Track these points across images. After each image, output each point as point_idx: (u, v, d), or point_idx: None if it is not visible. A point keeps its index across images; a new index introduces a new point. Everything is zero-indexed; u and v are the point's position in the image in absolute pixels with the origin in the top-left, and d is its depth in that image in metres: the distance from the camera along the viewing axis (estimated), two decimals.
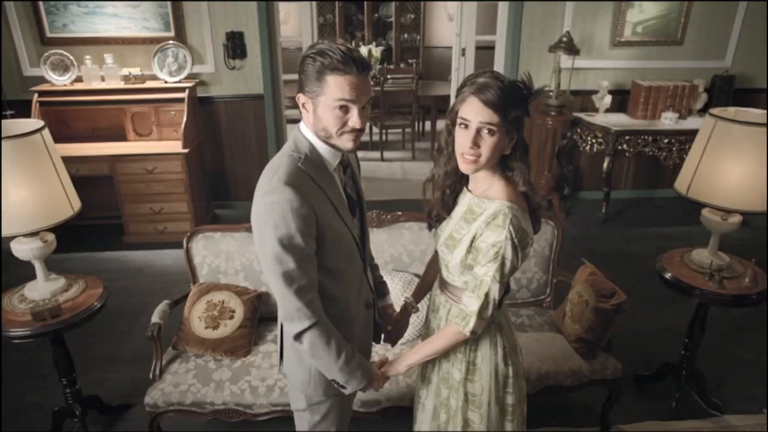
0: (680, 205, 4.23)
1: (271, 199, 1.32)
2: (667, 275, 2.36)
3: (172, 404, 2.13)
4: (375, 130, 6.50)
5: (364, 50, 6.56)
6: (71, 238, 4.00)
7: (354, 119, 1.34)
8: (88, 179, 3.99)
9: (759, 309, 3.00)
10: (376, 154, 6.40)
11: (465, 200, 1.51)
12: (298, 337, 1.39)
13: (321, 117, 1.35)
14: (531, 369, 2.21)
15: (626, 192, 5.11)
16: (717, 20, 4.65)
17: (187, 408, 2.13)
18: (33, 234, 2.07)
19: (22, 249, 2.09)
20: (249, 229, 2.51)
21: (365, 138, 6.50)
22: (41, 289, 2.19)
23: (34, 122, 2.05)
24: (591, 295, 2.26)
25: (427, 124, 7.07)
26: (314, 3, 7.50)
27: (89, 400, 2.44)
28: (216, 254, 2.49)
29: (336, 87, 1.30)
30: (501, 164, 1.44)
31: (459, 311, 1.47)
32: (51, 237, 2.18)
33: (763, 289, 2.25)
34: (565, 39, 4.24)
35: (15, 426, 2.46)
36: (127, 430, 2.44)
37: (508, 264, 1.37)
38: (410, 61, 8.02)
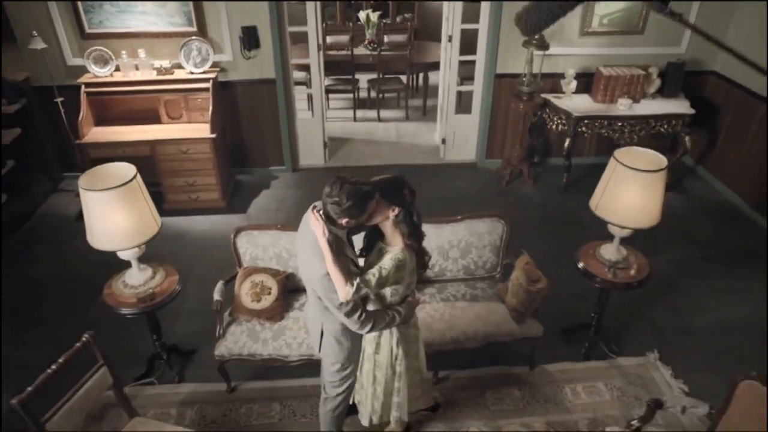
0: None
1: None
2: (580, 265, 3.29)
3: (233, 355, 3.13)
4: (373, 94, 7.14)
5: (362, 15, 7.05)
6: None
7: None
8: (131, 157, 4.84)
9: (661, 278, 3.98)
10: (374, 114, 7.11)
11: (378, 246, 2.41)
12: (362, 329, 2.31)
13: None
14: (479, 331, 3.20)
15: (589, 158, 5.92)
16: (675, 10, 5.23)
17: (243, 357, 3.14)
18: None
19: (126, 254, 2.99)
20: (279, 228, 3.42)
21: (364, 96, 7.23)
22: (136, 277, 3.12)
23: (129, 169, 2.87)
24: (524, 279, 3.19)
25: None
26: None
27: (169, 347, 3.46)
28: (255, 246, 3.40)
29: None
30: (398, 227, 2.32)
31: None
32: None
33: (643, 277, 3.19)
34: (536, 36, 4.88)
35: (119, 367, 3.48)
36: (198, 370, 3.48)
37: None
38: (406, 15, 8.45)
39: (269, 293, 3.28)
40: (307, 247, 2.29)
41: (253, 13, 4.96)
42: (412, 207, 2.37)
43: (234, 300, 3.29)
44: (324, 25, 7.00)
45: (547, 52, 5.09)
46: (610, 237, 3.30)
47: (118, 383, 2.59)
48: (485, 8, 5.20)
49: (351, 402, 2.81)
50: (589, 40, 5.32)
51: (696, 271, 4.41)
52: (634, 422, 2.62)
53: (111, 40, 4.95)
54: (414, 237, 2.40)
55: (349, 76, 6.89)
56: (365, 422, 2.73)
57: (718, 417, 2.48)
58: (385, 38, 7.50)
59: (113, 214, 2.77)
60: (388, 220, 2.33)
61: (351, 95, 7.11)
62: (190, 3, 4.84)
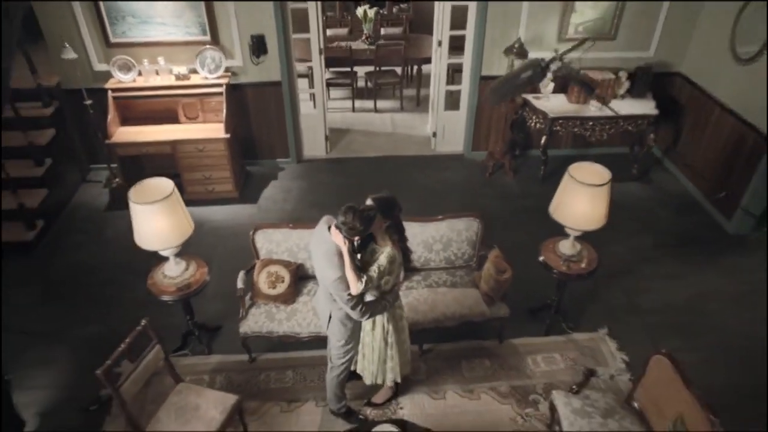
0: (608, 162, 5.76)
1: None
2: (541, 258, 3.95)
3: (254, 332, 3.82)
4: (370, 84, 7.67)
5: (360, 11, 7.52)
6: None
7: None
8: (154, 155, 5.47)
9: (618, 263, 4.65)
10: (371, 104, 7.67)
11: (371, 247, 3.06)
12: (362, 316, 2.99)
13: None
14: (456, 312, 3.87)
15: (565, 150, 6.51)
16: (644, 19, 5.77)
17: (262, 334, 3.83)
18: None
19: (166, 251, 3.64)
20: (290, 227, 4.06)
21: (362, 85, 7.76)
22: (173, 269, 3.78)
23: (168, 184, 3.49)
24: (494, 270, 3.86)
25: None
26: None
27: (199, 325, 4.15)
28: (269, 241, 4.05)
29: None
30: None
31: None
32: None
33: (592, 269, 3.85)
34: (516, 45, 5.43)
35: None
36: (223, 344, 4.18)
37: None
38: (402, 6, 8.88)
39: (283, 281, 3.95)
40: (321, 255, 2.93)
41: (261, 22, 5.48)
42: (399, 218, 3.02)
43: (253, 287, 3.96)
44: (324, 17, 7.47)
45: (530, 55, 5.63)
46: None
47: (167, 356, 3.28)
48: (471, 16, 5.71)
49: (352, 370, 3.51)
50: (566, 45, 5.81)
51: (650, 256, 5.08)
52: (574, 387, 3.33)
53: (133, 48, 5.48)
54: (401, 239, 3.06)
55: (348, 69, 7.43)
56: (368, 382, 3.43)
57: (636, 383, 3.19)
58: (382, 31, 7.99)
59: (156, 222, 3.41)
60: (381, 229, 2.97)
61: (350, 87, 7.65)
62: (204, 14, 5.36)
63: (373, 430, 3.05)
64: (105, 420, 3.66)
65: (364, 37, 7.54)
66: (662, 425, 2.97)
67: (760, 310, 4.45)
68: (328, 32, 7.82)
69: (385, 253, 2.94)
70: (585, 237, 3.90)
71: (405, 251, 3.16)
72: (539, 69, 4.94)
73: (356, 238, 2.90)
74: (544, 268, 3.96)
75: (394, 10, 8.80)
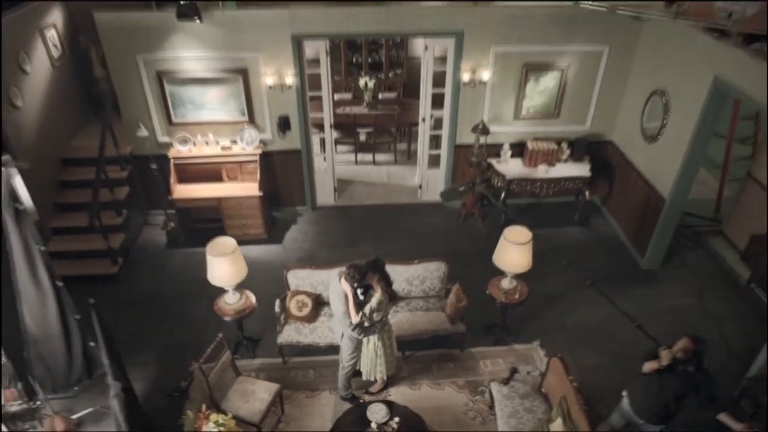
0: (557, 209, 7.50)
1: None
2: (487, 292, 5.63)
3: (288, 342, 5.49)
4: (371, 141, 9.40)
5: (361, 82, 9.26)
6: (196, 236, 7.23)
7: None
8: (204, 207, 7.19)
9: (554, 291, 6.31)
10: (371, 157, 9.39)
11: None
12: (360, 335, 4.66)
13: None
14: (428, 329, 5.54)
15: (524, 199, 8.20)
16: (580, 102, 7.50)
17: (292, 344, 5.49)
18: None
19: (228, 287, 5.32)
20: (312, 268, 5.75)
21: (363, 138, 9.47)
22: (231, 298, 5.46)
23: (232, 242, 5.18)
24: (455, 299, 5.52)
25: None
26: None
27: (246, 337, 5.81)
28: (297, 278, 5.72)
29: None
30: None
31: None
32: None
33: (523, 299, 5.53)
34: (480, 126, 7.15)
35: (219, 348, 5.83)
36: (263, 351, 5.83)
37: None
38: (397, 71, 10.62)
39: (307, 306, 5.62)
40: (334, 295, 4.61)
41: (287, 107, 7.21)
42: (385, 272, 4.68)
43: (286, 310, 5.63)
44: (331, 81, 9.19)
45: (492, 130, 7.35)
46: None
47: (233, 359, 4.95)
48: (447, 99, 7.44)
49: (356, 369, 5.15)
50: (520, 121, 7.57)
51: (577, 287, 6.74)
52: (504, 379, 4.99)
53: (190, 126, 7.21)
54: (388, 287, 4.73)
55: (352, 130, 9.16)
56: (365, 378, 5.09)
57: (543, 376, 4.86)
58: (380, 95, 9.74)
59: (223, 268, 5.10)
60: (374, 279, 4.64)
61: (353, 144, 9.38)
62: (244, 102, 7.09)
63: (369, 407, 4.70)
64: (185, 403, 5.31)
65: (365, 104, 9.28)
66: (556, 403, 4.63)
67: (651, 328, 6.10)
68: (335, 96, 9.55)
69: (375, 297, 4.59)
70: (522, 275, 5.57)
71: (391, 294, 4.82)
72: (470, 186, 6.94)
73: (356, 285, 4.56)
74: (489, 299, 5.64)
75: (390, 75, 10.54)
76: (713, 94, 5.67)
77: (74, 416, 4.75)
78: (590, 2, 5.83)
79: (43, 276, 4.03)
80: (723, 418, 3.88)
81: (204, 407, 4.30)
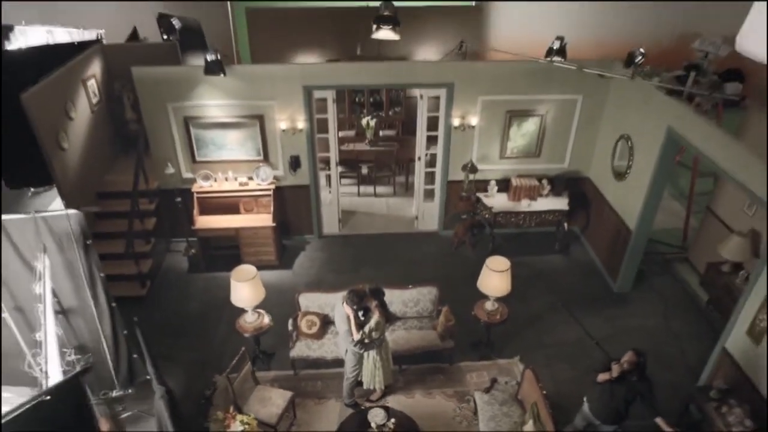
0: (539, 238, 8.34)
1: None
2: (473, 313, 6.46)
3: (299, 356, 6.31)
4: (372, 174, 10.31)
5: (364, 121, 10.22)
6: (215, 262, 8.10)
7: None
8: (223, 236, 8.06)
9: (534, 313, 7.13)
10: (372, 189, 10.30)
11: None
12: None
13: None
14: (421, 345, 6.35)
15: (511, 229, 9.06)
16: (559, 143, 8.42)
17: (303, 358, 6.31)
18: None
19: (248, 308, 6.16)
20: (321, 291, 6.59)
21: (365, 171, 10.38)
22: (250, 317, 6.30)
23: (252, 269, 6.04)
24: (444, 320, 6.35)
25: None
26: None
27: (262, 350, 6.63)
28: (307, 300, 6.56)
29: None
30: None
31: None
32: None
33: (504, 319, 6.35)
34: (469, 165, 8.06)
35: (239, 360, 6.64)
36: (277, 363, 6.64)
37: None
38: (396, 109, 11.59)
39: (316, 325, 6.45)
40: (338, 317, 5.45)
41: (297, 148, 8.14)
42: (383, 298, 5.52)
43: (297, 328, 6.46)
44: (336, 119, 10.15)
45: (480, 168, 8.26)
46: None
47: (253, 370, 5.76)
48: (440, 142, 8.36)
49: (358, 380, 5.95)
50: (505, 160, 8.48)
51: (556, 308, 7.55)
52: (485, 389, 5.79)
53: (211, 164, 8.13)
54: (385, 310, 5.57)
55: (355, 165, 10.08)
56: (365, 387, 5.89)
57: (519, 385, 5.66)
58: (380, 133, 10.69)
59: (245, 292, 5.96)
60: (372, 303, 5.48)
61: (356, 177, 10.30)
62: (260, 143, 8.02)
63: (369, 412, 5.50)
64: (210, 408, 6.11)
65: (366, 141, 10.22)
66: (529, 408, 5.42)
67: (618, 345, 6.89)
68: (340, 133, 10.49)
69: (373, 319, 5.42)
70: (505, 298, 6.40)
71: (388, 315, 5.66)
72: (471, 215, 7.59)
73: (355, 307, 5.39)
74: (475, 319, 6.47)
75: (390, 113, 11.50)
76: (667, 142, 6.58)
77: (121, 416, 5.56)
78: (561, 62, 6.77)
79: (102, 297, 4.87)
80: (659, 421, 4.66)
81: (231, 409, 5.11)
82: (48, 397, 3.37)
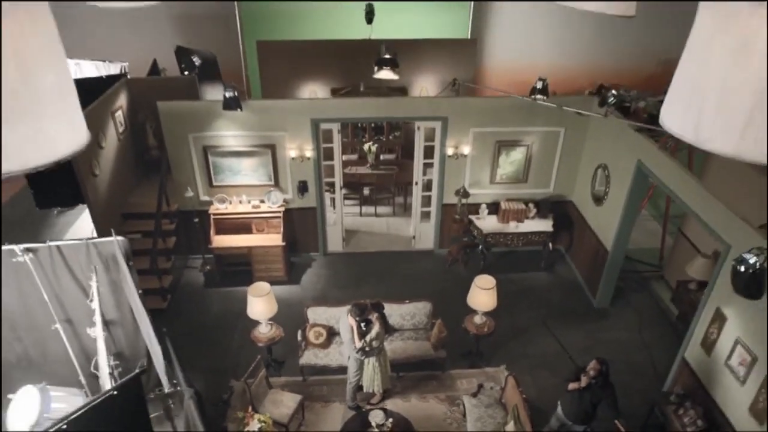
0: (527, 257, 9.09)
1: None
2: (463, 325, 7.21)
3: (307, 364, 7.05)
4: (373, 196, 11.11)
5: (366, 146, 11.03)
6: (229, 278, 8.86)
7: None
8: (236, 254, 8.83)
9: (520, 326, 7.87)
10: (373, 210, 11.08)
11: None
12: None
13: None
14: (416, 355, 7.10)
15: (501, 248, 9.84)
16: (544, 170, 9.21)
17: (311, 365, 7.05)
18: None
19: (262, 320, 6.92)
20: (327, 305, 7.35)
21: (366, 193, 11.17)
22: (264, 329, 7.05)
23: (266, 285, 6.80)
24: (437, 332, 7.09)
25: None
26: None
27: (273, 358, 7.37)
28: (315, 313, 7.32)
29: None
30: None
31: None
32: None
33: (491, 332, 7.10)
34: (462, 190, 8.85)
35: (248, 367, 7.37)
36: (287, 370, 7.38)
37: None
38: (396, 134, 12.41)
39: (322, 335, 7.20)
40: (343, 327, 6.21)
41: (306, 174, 8.93)
42: (383, 312, 6.29)
43: (306, 338, 7.21)
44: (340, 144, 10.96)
45: (472, 192, 9.04)
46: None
47: (267, 376, 6.50)
48: (436, 166, 9.16)
49: (359, 385, 6.68)
50: (495, 185, 9.27)
51: (539, 322, 8.30)
52: (473, 393, 6.53)
53: (227, 188, 8.92)
54: (385, 323, 6.33)
55: (357, 187, 10.87)
56: (365, 390, 6.62)
57: (503, 390, 6.40)
58: (381, 157, 11.49)
59: (260, 306, 6.71)
60: (373, 315, 6.24)
61: (358, 199, 11.10)
62: (271, 169, 8.82)
63: (370, 413, 6.23)
64: (227, 410, 6.84)
65: (368, 165, 11.02)
66: (510, 410, 6.16)
67: (596, 355, 7.62)
68: (343, 157, 11.29)
69: (374, 330, 6.17)
70: (493, 312, 7.15)
71: (388, 327, 6.42)
72: (472, 237, 8.38)
73: (358, 319, 6.14)
74: (465, 331, 7.22)
75: (390, 137, 12.31)
76: (637, 173, 7.36)
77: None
78: (543, 100, 7.58)
79: (141, 309, 5.61)
80: (617, 423, 5.39)
81: (249, 409, 5.84)
82: (116, 393, 4.11)
